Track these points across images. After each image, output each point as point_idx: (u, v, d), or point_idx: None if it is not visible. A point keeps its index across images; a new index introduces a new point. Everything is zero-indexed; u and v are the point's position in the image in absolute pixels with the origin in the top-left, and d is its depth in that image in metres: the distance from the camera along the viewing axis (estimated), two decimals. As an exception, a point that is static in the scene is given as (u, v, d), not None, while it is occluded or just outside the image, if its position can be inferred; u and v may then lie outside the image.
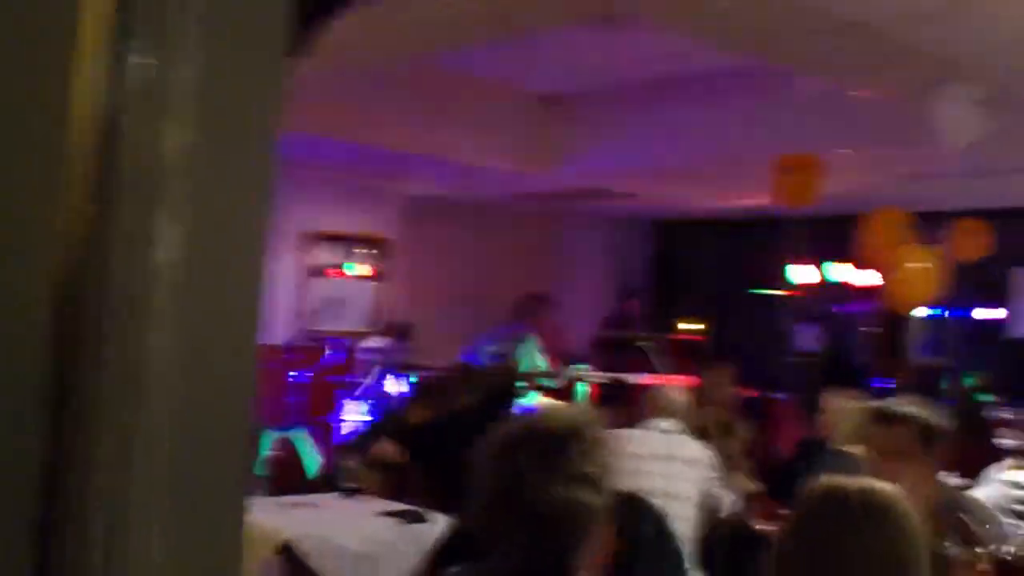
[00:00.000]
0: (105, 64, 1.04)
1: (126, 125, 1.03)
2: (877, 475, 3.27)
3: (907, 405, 3.38)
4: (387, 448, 5.79)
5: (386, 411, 7.00)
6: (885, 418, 3.32)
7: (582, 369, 10.66)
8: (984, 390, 9.96)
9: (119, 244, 1.00)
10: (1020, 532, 3.43)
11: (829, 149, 7.18)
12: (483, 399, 5.97)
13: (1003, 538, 3.21)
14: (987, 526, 3.18)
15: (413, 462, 5.89)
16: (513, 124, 9.20)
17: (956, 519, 3.15)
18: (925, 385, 9.13)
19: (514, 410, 6.28)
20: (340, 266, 10.70)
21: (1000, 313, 10.83)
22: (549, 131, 9.33)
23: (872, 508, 2.17)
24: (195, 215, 1.05)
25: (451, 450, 5.66)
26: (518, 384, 6.28)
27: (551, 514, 1.99)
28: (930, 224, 7.23)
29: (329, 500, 5.35)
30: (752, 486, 6.11)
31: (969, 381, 10.15)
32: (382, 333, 10.42)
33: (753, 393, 10.88)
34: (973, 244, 7.58)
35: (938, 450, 3.34)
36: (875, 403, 3.52)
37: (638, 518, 3.57)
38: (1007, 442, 5.76)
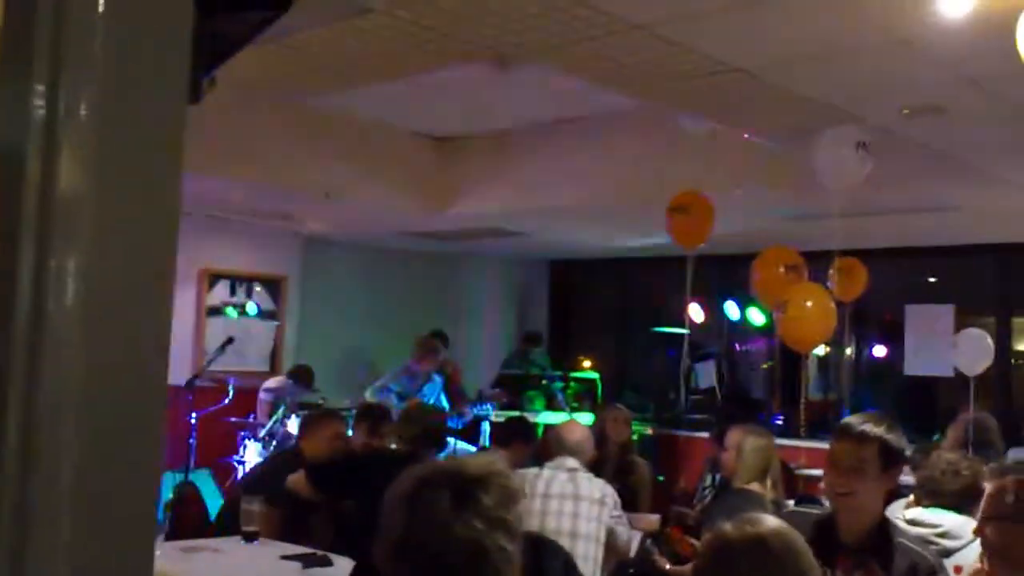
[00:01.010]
0: (4, 102, 1.03)
1: (27, 164, 1.01)
2: (834, 490, 3.33)
3: (875, 422, 3.37)
4: (299, 482, 5.70)
5: (286, 448, 6.87)
6: (856, 436, 3.33)
7: (484, 408, 10.67)
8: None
9: (21, 283, 0.98)
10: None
11: (719, 189, 7.32)
12: (415, 439, 5.90)
13: None
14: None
15: (326, 500, 5.81)
16: (406, 164, 9.24)
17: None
18: (821, 422, 9.33)
19: (443, 452, 6.24)
20: (238, 305, 10.56)
21: (893, 351, 11.10)
22: (443, 171, 9.39)
23: (760, 555, 2.22)
24: (97, 253, 1.03)
25: (370, 489, 5.61)
26: (445, 427, 6.23)
27: (462, 557, 1.97)
28: (820, 263, 7.40)
29: (231, 544, 5.24)
30: (655, 524, 6.16)
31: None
32: (279, 373, 10.31)
33: (651, 431, 11.01)
34: (852, 283, 7.75)
35: (894, 473, 3.39)
36: (844, 419, 3.51)
37: (545, 559, 3.55)
38: (905, 479, 5.88)
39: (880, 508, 3.39)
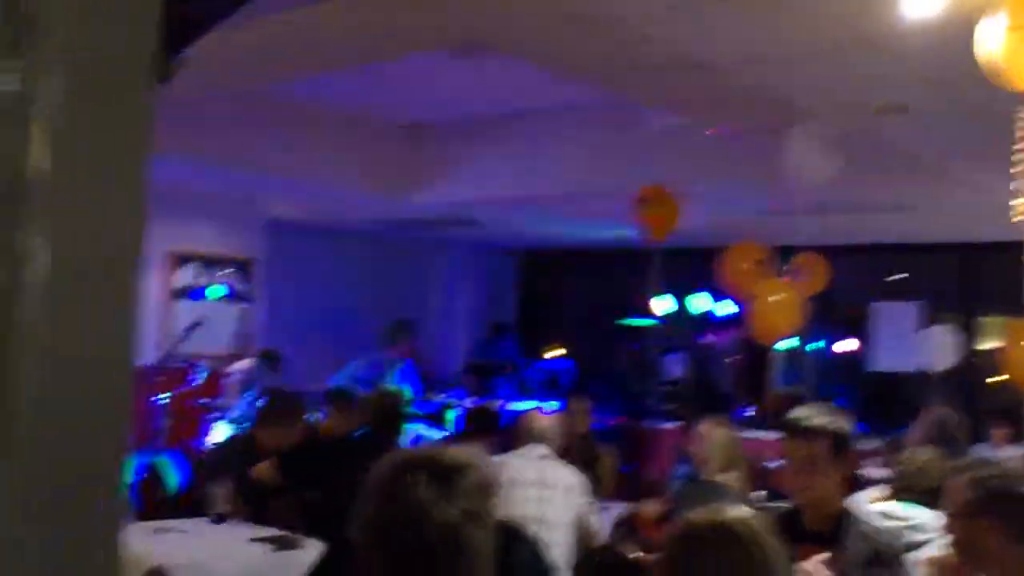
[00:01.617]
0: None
1: (-1, 141, 1.01)
2: (793, 487, 3.38)
3: (820, 415, 3.42)
4: (266, 471, 5.69)
5: (238, 434, 6.82)
6: (805, 433, 3.37)
7: (452, 395, 10.68)
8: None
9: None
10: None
11: (686, 182, 7.35)
12: (375, 424, 5.90)
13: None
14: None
15: (289, 485, 5.80)
16: (372, 151, 9.24)
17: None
18: (786, 414, 9.37)
19: (402, 437, 6.23)
20: (204, 287, 10.51)
21: (858, 346, 11.19)
22: (409, 159, 9.39)
23: (726, 544, 2.24)
24: (63, 233, 1.03)
25: (338, 474, 5.61)
26: (405, 411, 6.22)
27: (436, 542, 1.98)
28: (788, 258, 7.45)
29: (199, 525, 5.23)
30: (623, 513, 6.18)
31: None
32: (248, 356, 10.27)
33: (620, 420, 11.05)
34: (811, 278, 7.79)
35: (847, 459, 3.43)
36: (790, 415, 3.54)
37: (514, 546, 3.56)
38: (873, 472, 5.95)
39: (839, 495, 3.44)
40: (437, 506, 1.98)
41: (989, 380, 10.49)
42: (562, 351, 12.55)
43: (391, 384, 9.81)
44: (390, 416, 6.03)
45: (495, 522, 2.10)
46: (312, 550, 5.01)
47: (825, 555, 3.05)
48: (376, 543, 2.03)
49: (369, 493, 2.05)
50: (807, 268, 7.35)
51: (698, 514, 2.33)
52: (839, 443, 3.37)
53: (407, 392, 10.10)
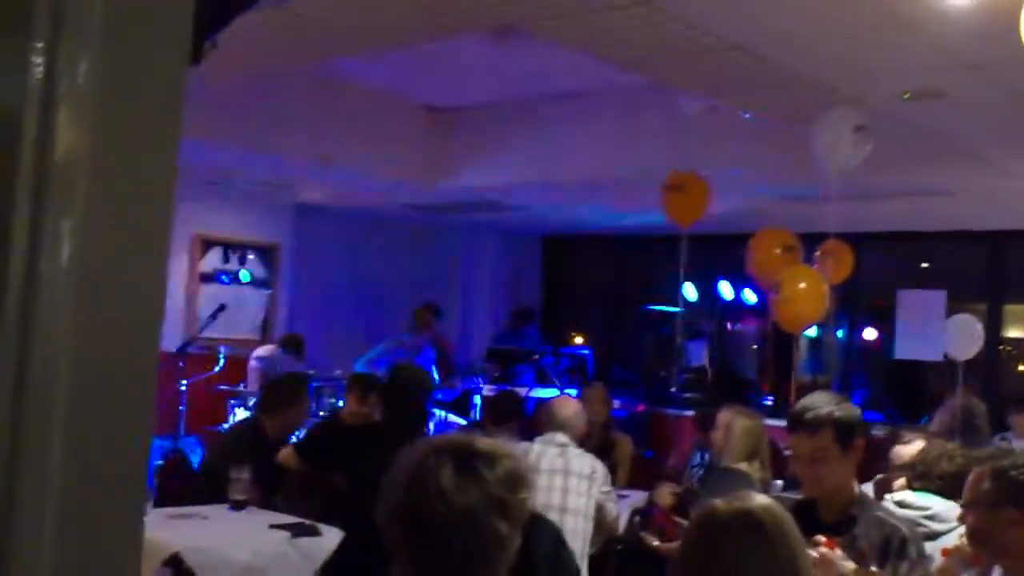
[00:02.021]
0: (2, 61, 1.01)
1: (25, 123, 1.00)
2: (801, 478, 3.36)
3: (821, 405, 3.37)
4: (288, 457, 5.71)
5: (246, 420, 6.82)
6: (808, 426, 3.34)
7: (475, 381, 10.69)
8: (870, 408, 10.23)
9: (16, 245, 0.97)
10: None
11: (715, 168, 7.31)
12: (395, 406, 5.89)
13: (928, 563, 3.28)
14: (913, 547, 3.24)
15: (311, 471, 5.82)
16: (402, 135, 9.21)
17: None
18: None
19: (428, 422, 6.22)
20: (231, 272, 10.54)
21: (884, 334, 11.12)
22: (439, 143, 9.36)
23: (748, 531, 2.23)
24: (92, 218, 1.02)
25: (359, 460, 5.61)
26: (430, 395, 6.20)
27: (458, 528, 1.98)
28: (815, 245, 7.40)
29: (219, 512, 5.25)
30: (641, 501, 6.17)
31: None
32: (272, 342, 10.30)
33: (642, 407, 11.04)
34: (838, 265, 7.72)
35: (856, 446, 3.40)
36: (793, 408, 3.51)
37: (536, 535, 3.56)
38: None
39: (852, 484, 3.41)
40: (459, 491, 1.97)
41: (1015, 369, 10.44)
42: (586, 338, 12.53)
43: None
44: (411, 396, 6.00)
45: (526, 516, 2.08)
46: (331, 537, 5.03)
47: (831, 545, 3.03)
48: (399, 523, 2.03)
49: (396, 477, 2.05)
50: (833, 256, 7.29)
51: (721, 501, 2.32)
52: (845, 433, 3.33)
53: (434, 377, 10.13)
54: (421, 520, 2.00)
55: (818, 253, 7.32)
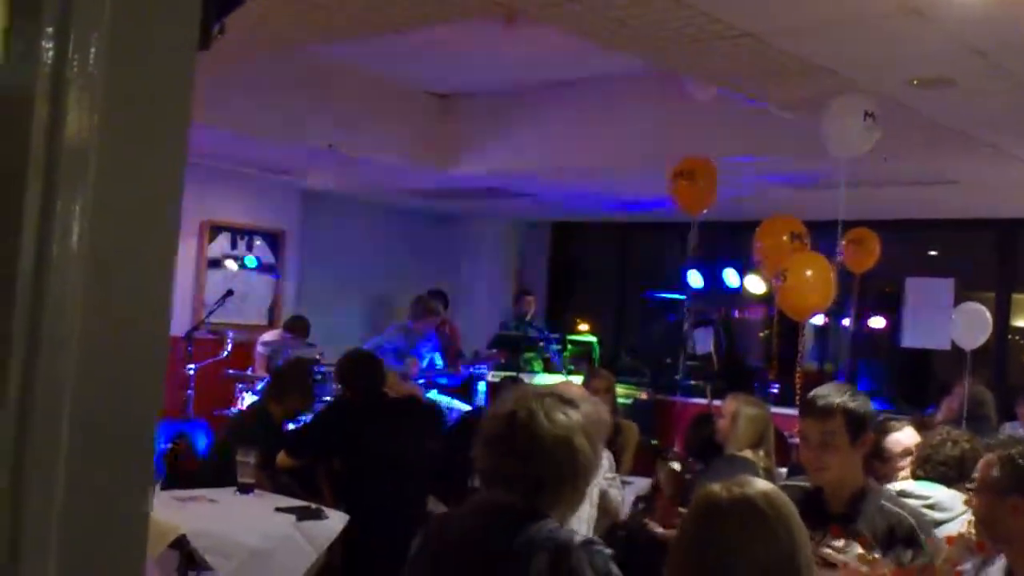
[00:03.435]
0: (11, 46, 1.02)
1: (36, 106, 1.00)
2: (809, 466, 3.37)
3: (835, 393, 3.40)
4: (285, 461, 5.74)
5: (255, 405, 6.84)
6: (820, 412, 3.36)
7: (480, 368, 10.70)
8: (877, 397, 10.23)
9: (27, 228, 0.97)
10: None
11: (723, 155, 7.30)
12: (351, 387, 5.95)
13: (939, 550, 3.28)
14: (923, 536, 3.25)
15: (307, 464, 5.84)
16: (409, 121, 9.20)
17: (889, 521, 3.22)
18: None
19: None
20: (237, 258, 10.55)
21: (891, 322, 11.11)
22: (445, 129, 9.35)
23: (747, 516, 2.23)
24: (101, 203, 1.03)
25: (353, 443, 5.65)
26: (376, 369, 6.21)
27: (559, 443, 2.46)
28: (822, 233, 7.39)
29: (226, 495, 5.27)
30: (646, 487, 6.18)
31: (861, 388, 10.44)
32: (278, 327, 10.32)
33: (648, 394, 11.05)
34: (863, 254, 7.75)
35: (865, 439, 3.41)
36: (807, 394, 3.53)
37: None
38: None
39: (859, 475, 3.42)
40: (562, 414, 2.49)
41: (1023, 358, 10.43)
42: (592, 325, 12.52)
43: (420, 356, 9.84)
44: (363, 376, 6.03)
45: (602, 445, 2.66)
46: (337, 520, 5.05)
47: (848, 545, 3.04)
48: (501, 447, 2.51)
49: (499, 410, 2.56)
50: (858, 244, 7.28)
51: (721, 486, 2.32)
52: (855, 424, 3.35)
53: (438, 363, 10.14)
54: (526, 439, 2.46)
55: (844, 241, 7.30)
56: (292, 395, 6.10)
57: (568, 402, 2.54)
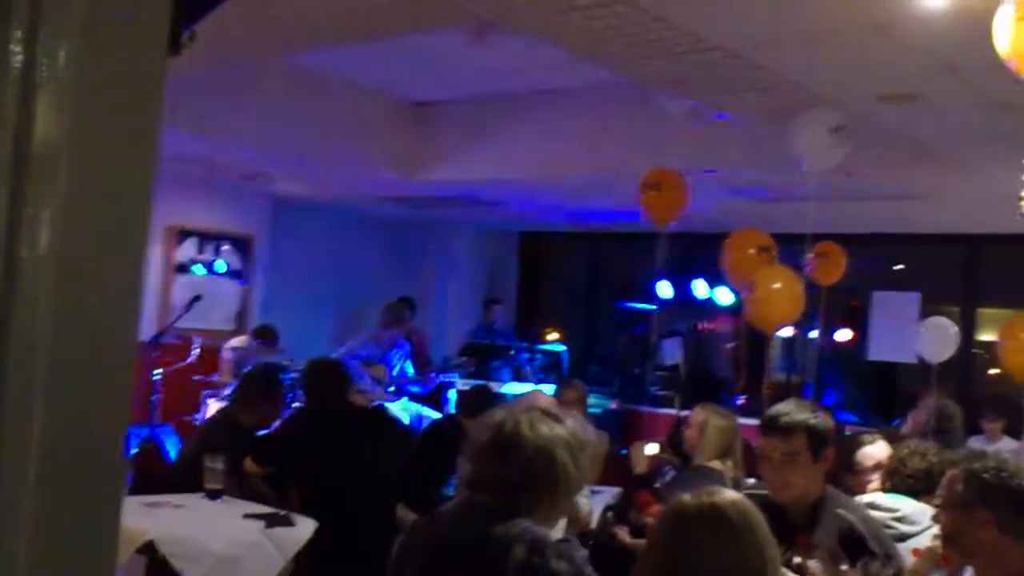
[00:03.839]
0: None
1: (4, 111, 1.00)
2: (771, 484, 3.39)
3: (796, 411, 3.42)
4: (253, 467, 5.69)
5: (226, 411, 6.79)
6: (782, 430, 3.37)
7: (450, 376, 10.69)
8: (844, 409, 10.29)
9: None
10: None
11: (692, 167, 7.33)
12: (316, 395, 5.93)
13: (899, 561, 3.30)
14: (882, 548, 3.26)
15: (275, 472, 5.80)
16: (380, 128, 9.18)
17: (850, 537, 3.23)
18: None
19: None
20: (205, 263, 10.50)
21: (858, 335, 11.18)
22: (417, 137, 9.34)
23: (716, 525, 2.24)
24: (74, 202, 1.02)
25: (319, 452, 5.62)
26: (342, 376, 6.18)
27: (541, 454, 2.59)
28: (790, 246, 7.44)
29: (194, 501, 5.24)
30: (613, 499, 6.19)
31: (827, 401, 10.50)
32: (246, 333, 10.27)
33: (616, 404, 11.07)
34: (830, 267, 7.79)
35: (827, 455, 3.43)
36: (768, 412, 3.54)
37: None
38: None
39: (819, 488, 3.44)
40: (545, 428, 2.63)
41: (988, 373, 10.51)
42: (561, 334, 12.54)
43: (389, 364, 9.82)
44: (328, 384, 6.01)
45: (584, 459, 2.74)
46: (305, 527, 5.03)
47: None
48: (491, 457, 2.64)
49: (488, 423, 2.71)
50: (825, 257, 7.33)
51: (689, 496, 2.34)
52: (818, 441, 3.38)
53: (408, 371, 10.12)
54: (508, 446, 2.60)
55: (810, 255, 7.35)
56: (261, 402, 6.05)
57: (554, 417, 2.71)
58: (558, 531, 4.94)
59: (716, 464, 5.41)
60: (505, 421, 2.66)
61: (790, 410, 3.42)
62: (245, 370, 8.79)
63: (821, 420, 3.42)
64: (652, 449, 5.84)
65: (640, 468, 5.70)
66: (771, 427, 3.41)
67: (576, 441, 2.68)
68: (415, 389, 10.16)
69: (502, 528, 2.50)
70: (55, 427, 1.01)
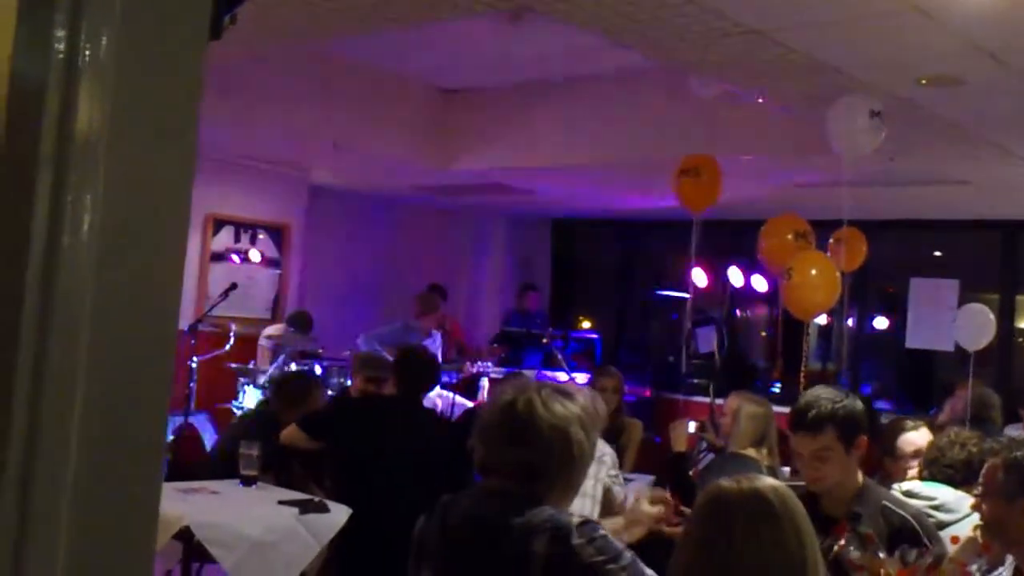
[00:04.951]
0: (23, 36, 1.01)
1: (47, 99, 1.00)
2: (806, 478, 3.35)
3: (822, 402, 3.36)
4: (293, 435, 5.70)
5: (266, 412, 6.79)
6: (809, 427, 3.33)
7: (483, 364, 10.68)
8: (880, 397, 10.22)
9: (37, 219, 0.97)
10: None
11: (728, 153, 7.28)
12: (404, 383, 5.90)
13: (942, 548, 3.27)
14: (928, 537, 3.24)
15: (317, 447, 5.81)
16: (413, 116, 9.19)
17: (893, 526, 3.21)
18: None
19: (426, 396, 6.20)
20: (241, 252, 10.56)
21: (895, 323, 11.10)
22: (450, 124, 9.34)
23: (756, 510, 2.22)
24: (114, 188, 1.02)
25: (367, 433, 5.63)
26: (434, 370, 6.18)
27: (557, 432, 2.50)
28: (827, 232, 7.38)
29: (230, 487, 5.27)
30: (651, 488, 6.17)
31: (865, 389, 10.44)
32: (281, 321, 10.32)
33: (650, 392, 11.04)
34: (852, 254, 7.68)
35: (859, 443, 3.39)
36: (794, 406, 3.49)
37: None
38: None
39: (855, 478, 3.41)
40: (559, 405, 2.53)
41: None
42: (594, 322, 12.52)
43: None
44: (425, 375, 5.99)
45: (596, 436, 2.67)
46: (339, 514, 5.05)
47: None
48: (501, 437, 2.54)
49: (499, 401, 2.59)
50: (846, 243, 7.26)
51: (729, 480, 2.32)
52: (848, 431, 3.32)
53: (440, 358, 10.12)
54: (522, 426, 2.50)
55: (831, 240, 7.29)
56: (299, 405, 6.06)
57: (566, 393, 2.61)
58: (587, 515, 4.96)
59: (751, 452, 5.39)
60: (516, 400, 2.54)
61: (816, 402, 3.36)
62: (281, 357, 8.86)
63: (848, 405, 3.36)
64: (692, 427, 5.81)
65: (679, 446, 5.68)
66: (798, 425, 3.37)
67: (588, 417, 2.61)
68: (448, 378, 10.16)
69: (525, 515, 2.43)
70: (96, 413, 1.01)
